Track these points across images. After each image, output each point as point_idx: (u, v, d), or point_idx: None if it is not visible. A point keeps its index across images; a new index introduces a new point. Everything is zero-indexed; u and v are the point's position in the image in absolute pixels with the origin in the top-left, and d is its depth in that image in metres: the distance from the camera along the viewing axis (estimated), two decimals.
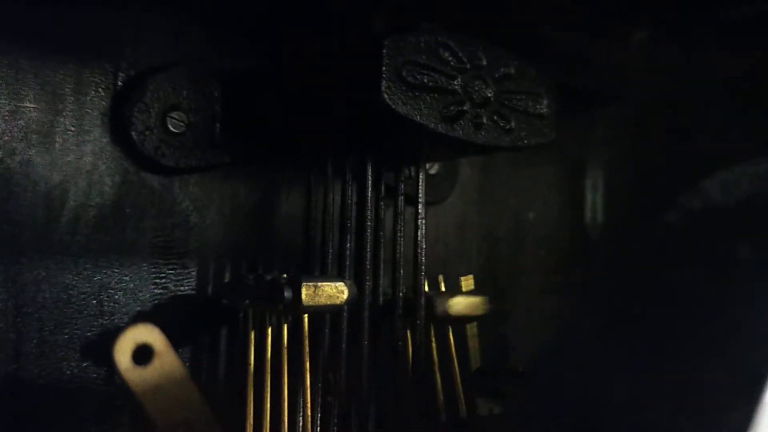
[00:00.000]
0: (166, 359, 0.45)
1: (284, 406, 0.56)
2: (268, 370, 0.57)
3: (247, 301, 0.59)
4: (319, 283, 0.57)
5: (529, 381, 0.51)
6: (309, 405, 0.57)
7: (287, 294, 0.55)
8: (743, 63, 0.84)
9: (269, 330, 0.58)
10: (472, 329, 0.70)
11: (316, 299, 0.56)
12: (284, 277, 0.57)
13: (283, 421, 0.56)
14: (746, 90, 0.82)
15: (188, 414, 0.46)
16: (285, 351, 0.57)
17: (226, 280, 0.65)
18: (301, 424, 0.58)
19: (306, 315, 0.58)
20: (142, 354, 0.45)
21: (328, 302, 0.57)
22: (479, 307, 0.70)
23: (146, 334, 0.45)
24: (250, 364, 0.58)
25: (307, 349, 0.58)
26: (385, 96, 0.52)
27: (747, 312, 0.25)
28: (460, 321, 0.70)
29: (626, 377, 0.26)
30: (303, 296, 0.56)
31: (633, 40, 0.89)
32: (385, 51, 0.52)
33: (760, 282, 0.25)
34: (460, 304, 0.69)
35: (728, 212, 0.28)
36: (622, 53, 0.89)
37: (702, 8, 0.83)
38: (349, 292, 0.58)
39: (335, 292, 0.57)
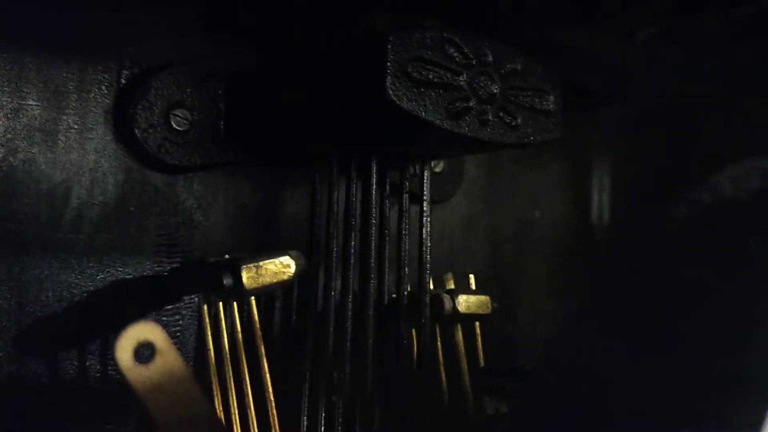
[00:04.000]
0: (168, 357, 0.45)
1: (249, 396, 0.55)
2: (227, 359, 0.56)
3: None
4: (260, 263, 0.55)
5: (535, 379, 0.51)
6: (271, 392, 0.56)
7: (226, 281, 0.54)
8: (747, 60, 0.83)
9: (222, 317, 0.56)
10: (475, 328, 0.70)
11: (260, 280, 0.55)
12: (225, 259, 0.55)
13: (250, 409, 0.55)
14: (750, 87, 0.82)
15: (190, 412, 0.46)
16: (240, 337, 0.56)
17: None
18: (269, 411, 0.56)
19: (252, 298, 0.56)
20: (144, 352, 0.45)
21: (274, 280, 0.55)
22: (487, 305, 0.70)
23: (148, 332, 0.44)
24: (210, 350, 0.56)
25: (259, 333, 0.56)
26: (390, 92, 0.51)
27: (756, 307, 0.24)
28: (468, 319, 0.69)
29: (633, 375, 0.26)
30: (244, 279, 0.54)
31: (638, 39, 0.89)
32: (390, 46, 0.51)
33: None
34: (468, 301, 0.69)
35: (739, 206, 0.28)
36: (627, 51, 0.88)
37: (706, 6, 0.83)
38: (296, 264, 0.56)
39: (280, 268, 0.55)
